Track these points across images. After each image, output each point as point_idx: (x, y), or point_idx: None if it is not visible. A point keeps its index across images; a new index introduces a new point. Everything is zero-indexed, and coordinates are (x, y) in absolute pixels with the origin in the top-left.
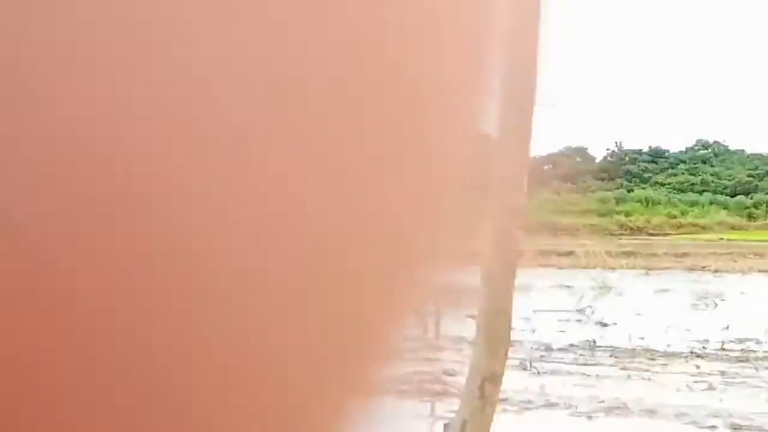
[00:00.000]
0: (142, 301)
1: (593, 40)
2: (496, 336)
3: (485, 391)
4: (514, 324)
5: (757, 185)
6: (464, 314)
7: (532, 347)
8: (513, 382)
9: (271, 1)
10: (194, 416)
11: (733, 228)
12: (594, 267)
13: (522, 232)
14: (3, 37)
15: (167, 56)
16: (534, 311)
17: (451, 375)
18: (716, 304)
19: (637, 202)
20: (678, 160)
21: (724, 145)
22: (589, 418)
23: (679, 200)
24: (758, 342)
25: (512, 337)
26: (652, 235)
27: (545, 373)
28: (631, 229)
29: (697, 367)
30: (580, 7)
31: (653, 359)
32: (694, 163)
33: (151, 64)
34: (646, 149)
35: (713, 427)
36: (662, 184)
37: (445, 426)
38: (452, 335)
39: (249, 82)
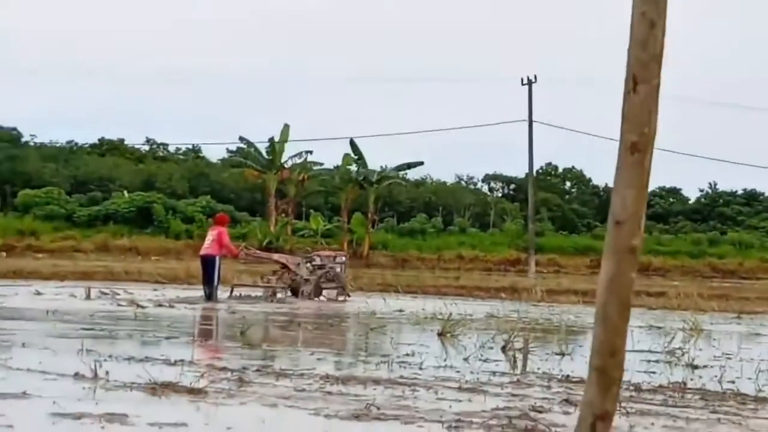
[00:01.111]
0: None
1: (690, 84)
2: (609, 375)
3: (597, 429)
4: None
5: None
6: (553, 352)
7: (622, 387)
8: None
9: None
10: None
11: None
12: (685, 308)
13: (637, 274)
14: None
15: None
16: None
17: (539, 411)
18: None
19: (731, 244)
20: None
21: None
22: None
23: None
24: None
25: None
26: (744, 278)
27: (635, 413)
28: (723, 271)
29: None
30: (679, 48)
31: (744, 403)
32: None
33: None
34: (740, 191)
35: None
36: (756, 228)
37: None
38: (541, 372)
39: None
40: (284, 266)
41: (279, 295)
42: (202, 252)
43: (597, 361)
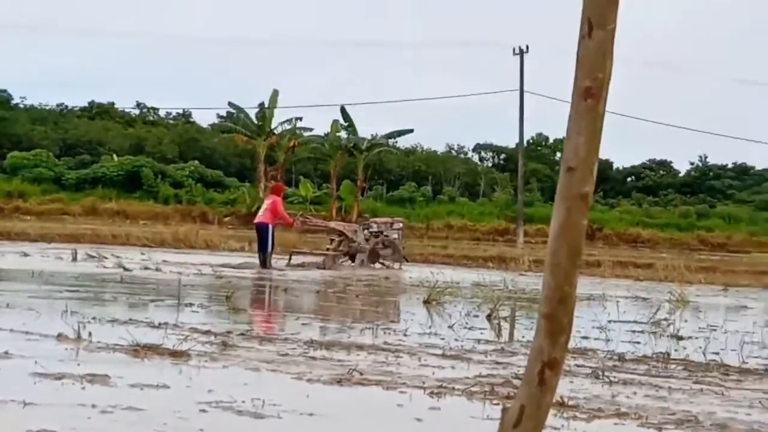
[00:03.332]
0: None
1: (681, 56)
2: (558, 323)
3: (545, 377)
4: (589, 333)
5: None
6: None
7: (605, 356)
8: (584, 389)
9: None
10: None
11: None
12: (672, 280)
13: (587, 222)
14: None
15: None
16: (609, 321)
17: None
18: None
19: (720, 218)
20: (763, 177)
21: None
22: (659, 429)
23: (763, 218)
24: None
25: (573, 326)
26: (732, 252)
27: (617, 382)
28: (711, 244)
29: None
30: (672, 23)
31: (727, 375)
32: None
33: None
34: (730, 165)
35: None
36: (745, 201)
37: (503, 411)
38: (526, 340)
39: None
40: (341, 234)
41: (336, 263)
42: (256, 220)
43: (546, 308)
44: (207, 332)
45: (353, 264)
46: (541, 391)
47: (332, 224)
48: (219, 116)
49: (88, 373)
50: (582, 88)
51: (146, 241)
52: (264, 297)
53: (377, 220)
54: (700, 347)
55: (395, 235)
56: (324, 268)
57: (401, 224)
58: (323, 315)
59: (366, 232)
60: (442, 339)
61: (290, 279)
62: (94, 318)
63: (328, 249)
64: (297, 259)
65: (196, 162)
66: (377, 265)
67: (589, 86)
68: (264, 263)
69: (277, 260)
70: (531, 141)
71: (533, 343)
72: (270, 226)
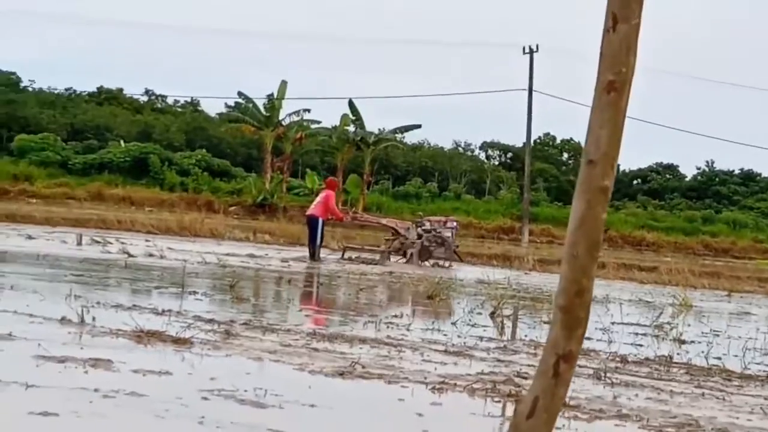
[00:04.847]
0: None
1: (692, 62)
2: (574, 315)
3: (560, 369)
4: (592, 335)
5: None
6: (542, 320)
7: (607, 358)
8: (586, 390)
9: None
10: None
11: None
12: (676, 284)
13: (606, 215)
14: None
15: None
16: (612, 323)
17: (524, 377)
18: None
19: (725, 223)
20: None
21: None
22: None
23: (767, 225)
24: None
25: (589, 320)
26: (736, 257)
27: (619, 384)
28: (716, 250)
29: None
30: (684, 27)
31: (729, 380)
32: None
33: None
34: (737, 171)
35: None
36: (751, 208)
37: (517, 402)
38: (528, 339)
39: None
40: (395, 231)
41: (388, 259)
42: (308, 213)
43: (563, 300)
44: (210, 320)
45: (405, 261)
46: (555, 384)
47: (384, 221)
48: (227, 106)
49: (91, 357)
50: (605, 82)
51: (151, 227)
52: (269, 287)
53: (431, 218)
54: (703, 352)
55: (448, 234)
56: (376, 264)
57: (456, 223)
58: (327, 307)
59: (419, 229)
60: (445, 335)
61: (300, 271)
62: (97, 303)
63: (385, 244)
64: (350, 254)
65: (203, 151)
66: (429, 263)
67: (612, 80)
68: (313, 255)
69: (330, 253)
70: (538, 140)
71: (548, 335)
72: (320, 220)
